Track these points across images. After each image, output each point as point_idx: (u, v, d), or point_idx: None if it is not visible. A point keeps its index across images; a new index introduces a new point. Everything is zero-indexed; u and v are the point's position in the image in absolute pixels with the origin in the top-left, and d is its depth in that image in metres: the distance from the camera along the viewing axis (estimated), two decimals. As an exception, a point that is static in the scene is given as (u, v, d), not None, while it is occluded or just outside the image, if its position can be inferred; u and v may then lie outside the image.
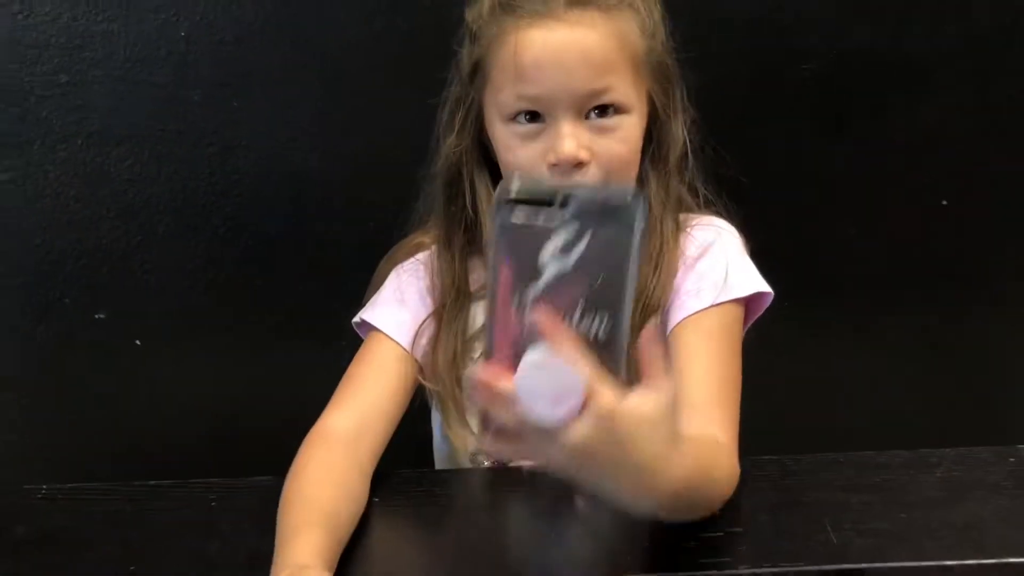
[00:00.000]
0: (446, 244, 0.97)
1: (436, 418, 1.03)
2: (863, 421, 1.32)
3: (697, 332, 0.89)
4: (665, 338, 0.87)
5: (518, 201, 0.58)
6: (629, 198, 0.57)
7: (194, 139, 1.23)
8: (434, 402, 1.00)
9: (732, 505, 0.81)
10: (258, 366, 1.28)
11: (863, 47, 1.22)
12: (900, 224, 1.28)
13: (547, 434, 0.59)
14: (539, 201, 0.58)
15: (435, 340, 0.96)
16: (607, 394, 0.58)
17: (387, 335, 0.95)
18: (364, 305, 0.99)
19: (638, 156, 0.92)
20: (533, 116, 0.88)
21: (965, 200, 1.28)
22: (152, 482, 0.91)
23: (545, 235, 0.58)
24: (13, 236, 1.25)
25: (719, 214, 0.99)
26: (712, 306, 0.90)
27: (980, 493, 0.84)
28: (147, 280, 1.26)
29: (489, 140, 0.93)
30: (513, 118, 0.89)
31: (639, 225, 0.57)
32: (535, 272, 0.58)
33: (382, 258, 1.03)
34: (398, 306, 0.97)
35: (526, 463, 0.66)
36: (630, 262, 0.58)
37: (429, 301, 0.97)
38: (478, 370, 0.60)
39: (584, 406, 0.58)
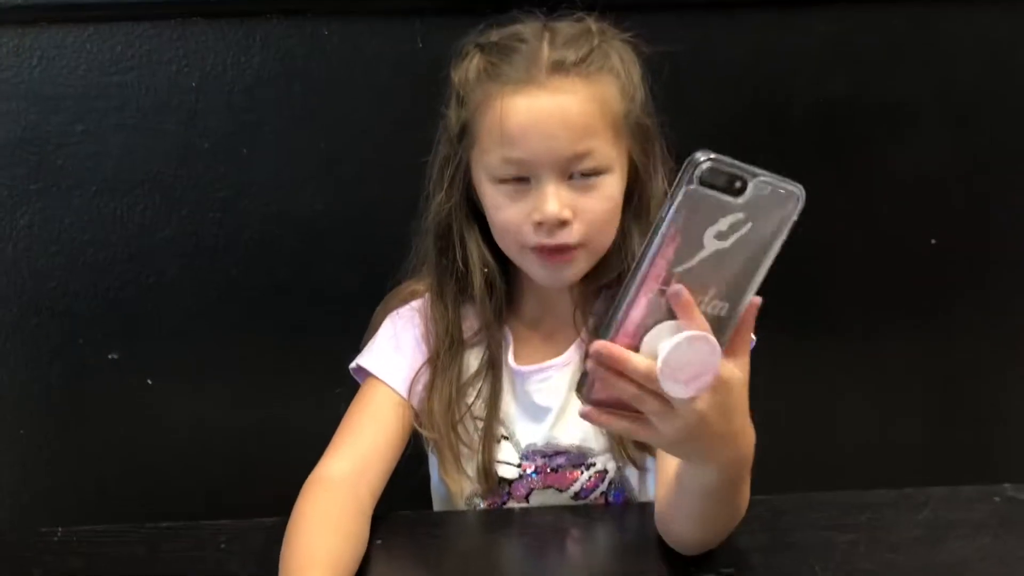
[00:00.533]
0: (439, 294, 1.00)
1: (433, 461, 1.05)
2: (852, 454, 1.34)
3: None
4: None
5: (707, 175, 0.60)
6: (795, 191, 0.61)
7: (204, 185, 1.26)
8: (430, 448, 1.02)
9: (722, 545, 0.84)
10: (268, 407, 1.31)
11: (848, 93, 1.25)
12: (890, 263, 1.31)
13: (668, 407, 0.63)
14: (726, 178, 0.60)
15: (430, 387, 0.98)
16: (726, 365, 0.63)
17: (383, 381, 0.98)
18: (360, 351, 1.02)
19: (619, 212, 0.94)
20: (518, 177, 0.91)
21: (953, 238, 1.31)
22: (164, 524, 0.94)
23: (717, 215, 0.60)
24: (29, 279, 1.28)
25: None
26: None
27: (964, 532, 0.87)
28: (159, 322, 1.29)
29: (478, 196, 0.96)
30: (500, 179, 0.92)
31: (793, 218, 0.61)
32: (695, 249, 0.61)
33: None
34: (394, 352, 1.00)
35: (624, 433, 0.69)
36: (771, 254, 0.61)
37: (424, 348, 1.00)
38: (606, 345, 0.62)
39: (713, 383, 0.62)
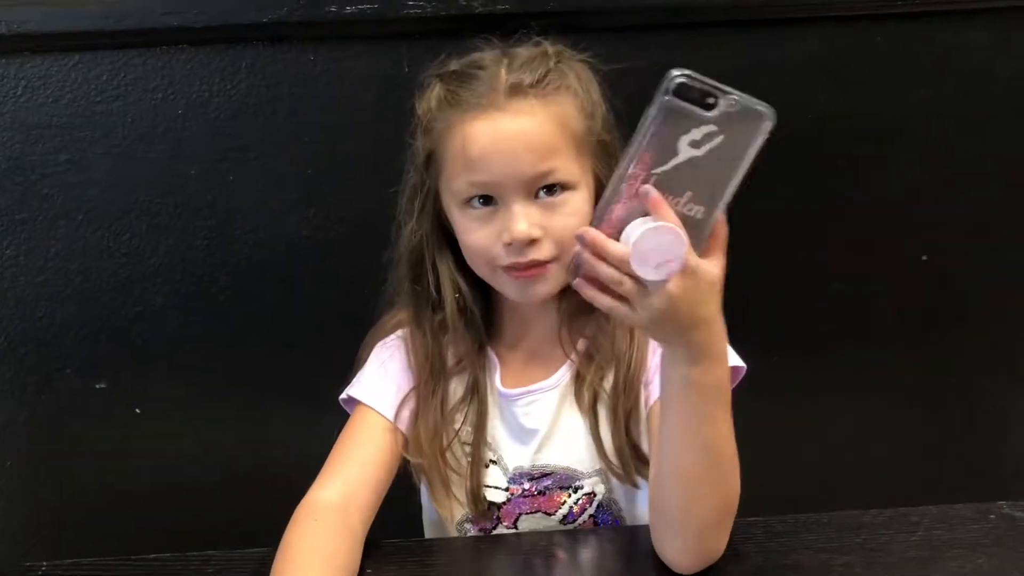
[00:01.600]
0: (417, 324, 1.01)
1: (425, 497, 1.05)
2: (847, 474, 1.34)
3: None
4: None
5: (681, 89, 0.68)
6: (763, 110, 0.70)
7: (191, 212, 1.26)
8: (420, 477, 1.01)
9: (718, 568, 0.84)
10: (257, 435, 1.30)
11: (834, 111, 1.26)
12: (882, 280, 1.31)
13: (643, 289, 0.72)
14: (698, 93, 0.68)
15: (416, 415, 0.99)
16: (693, 257, 0.72)
17: (371, 407, 0.99)
18: (350, 382, 1.02)
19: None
20: (486, 200, 0.92)
21: (944, 254, 1.31)
22: (152, 556, 0.93)
23: (690, 125, 0.68)
24: (16, 308, 1.28)
25: None
26: None
27: (960, 551, 0.86)
28: (146, 350, 1.29)
29: (448, 222, 0.97)
30: (468, 203, 0.93)
31: (763, 135, 0.69)
32: (669, 155, 0.69)
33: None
34: (381, 380, 1.01)
35: (612, 311, 0.75)
36: (743, 166, 0.70)
37: (410, 375, 1.01)
38: (589, 231, 0.72)
39: (680, 269, 0.70)
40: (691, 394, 0.78)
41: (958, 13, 1.25)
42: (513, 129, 0.91)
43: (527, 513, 0.99)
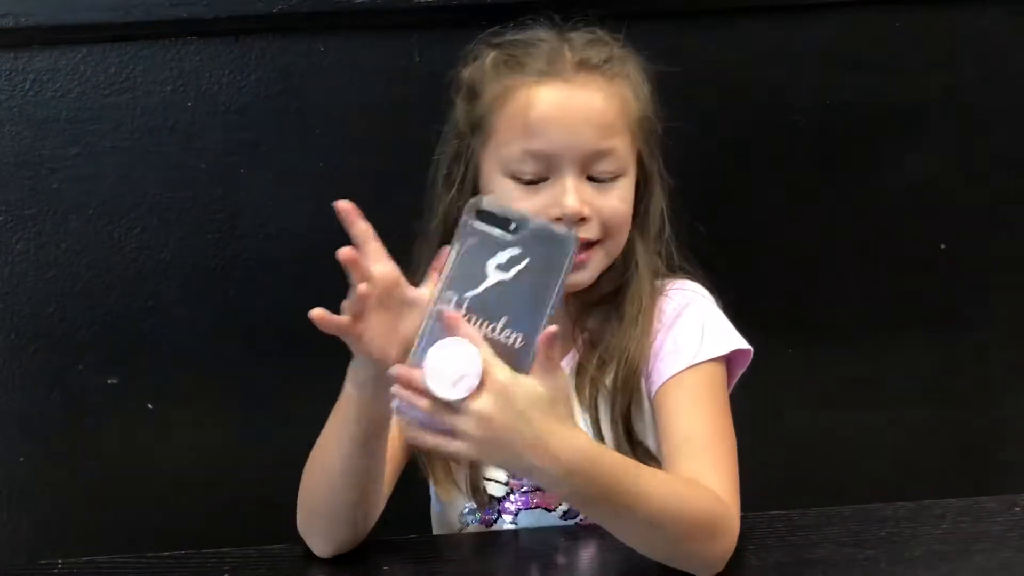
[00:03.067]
0: None
1: (434, 492, 1.04)
2: (866, 467, 1.32)
3: (680, 391, 0.91)
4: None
5: (483, 215, 0.71)
6: (567, 234, 0.71)
7: (201, 206, 1.25)
8: (422, 460, 1.00)
9: (740, 562, 0.82)
10: (271, 430, 1.29)
11: (851, 98, 1.24)
12: (899, 270, 1.29)
13: (451, 409, 0.69)
14: (500, 219, 0.70)
15: None
16: (503, 373, 0.69)
17: None
18: None
19: (631, 218, 0.95)
20: (535, 174, 0.91)
21: (962, 244, 1.29)
22: (166, 553, 0.92)
23: (496, 248, 0.70)
24: (26, 304, 1.27)
25: (692, 277, 1.01)
26: (692, 366, 0.92)
27: (986, 545, 0.85)
28: (158, 345, 1.27)
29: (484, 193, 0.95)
30: (515, 172, 0.91)
31: (569, 261, 0.70)
32: (480, 278, 0.70)
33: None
34: None
35: (439, 449, 0.73)
36: (555, 290, 0.70)
37: None
38: (396, 367, 0.70)
39: (481, 386, 0.68)
40: (586, 506, 0.77)
41: (975, -1, 1.24)
42: (578, 100, 0.90)
43: (527, 508, 0.98)
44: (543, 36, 0.95)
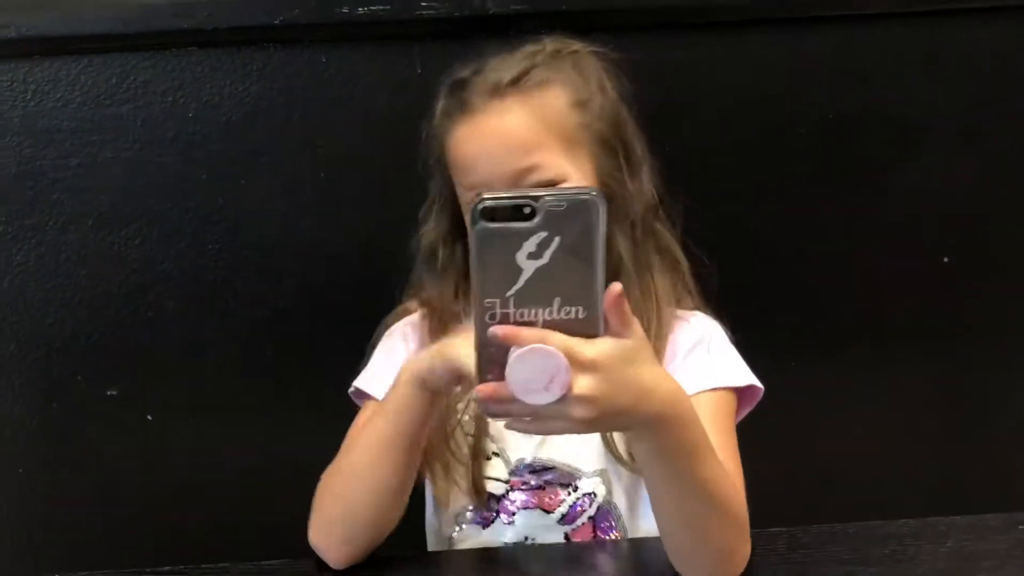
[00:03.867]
0: (438, 300, 1.01)
1: (429, 493, 1.04)
2: (868, 481, 1.31)
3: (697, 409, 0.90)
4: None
5: (490, 212, 0.65)
6: (589, 197, 0.65)
7: (202, 217, 1.25)
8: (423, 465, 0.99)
9: (741, 582, 0.82)
10: (272, 442, 1.28)
11: (855, 110, 1.24)
12: (902, 283, 1.29)
13: (560, 407, 0.67)
14: (511, 208, 0.65)
15: None
16: (586, 349, 0.66)
17: (375, 397, 0.98)
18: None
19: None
20: None
21: (966, 256, 1.28)
22: (166, 568, 0.92)
23: (519, 241, 0.65)
24: (26, 314, 1.26)
25: (702, 308, 1.02)
26: (708, 390, 0.93)
27: (990, 564, 0.84)
28: (158, 356, 1.27)
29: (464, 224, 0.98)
30: (469, 204, 0.93)
31: (601, 220, 0.65)
32: (515, 275, 0.65)
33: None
34: (386, 368, 1.00)
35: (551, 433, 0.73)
36: (598, 254, 0.65)
37: None
38: (481, 389, 0.67)
39: (569, 378, 0.66)
40: (663, 460, 0.76)
41: (981, 11, 1.23)
42: (490, 129, 0.93)
43: (526, 508, 0.98)
44: (484, 66, 0.97)
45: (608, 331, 0.67)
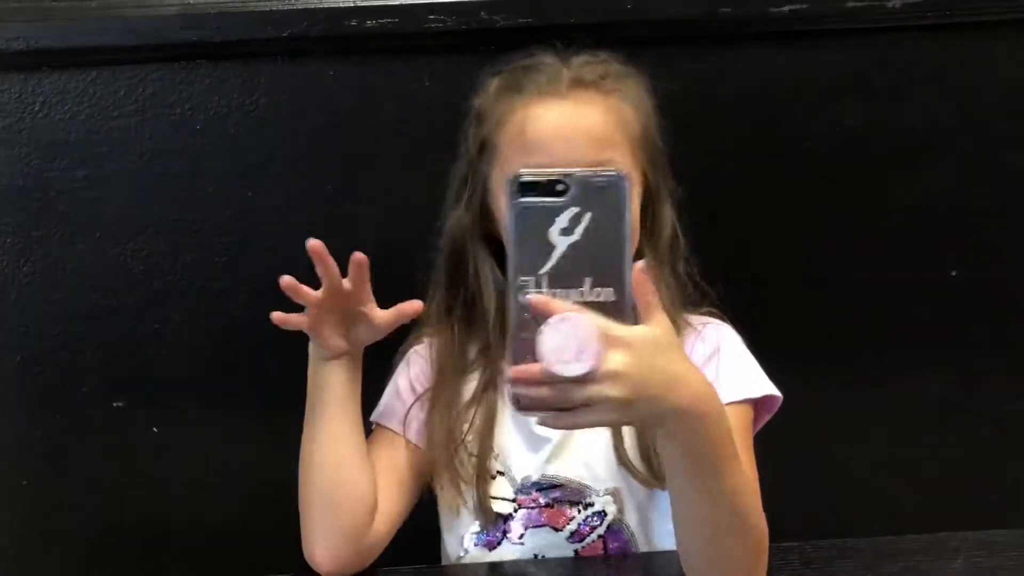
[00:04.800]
0: (446, 312, 1.02)
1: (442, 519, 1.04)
2: (878, 495, 1.31)
3: None
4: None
5: (525, 188, 0.67)
6: (616, 177, 0.68)
7: (209, 229, 1.24)
8: (431, 476, 1.01)
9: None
10: (277, 456, 1.27)
11: (862, 125, 1.24)
12: (909, 297, 1.28)
13: (582, 383, 0.66)
14: (545, 185, 0.67)
15: (431, 411, 1.00)
16: (617, 328, 0.67)
17: (383, 425, 1.01)
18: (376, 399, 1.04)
19: (639, 228, 0.96)
20: None
21: (974, 270, 1.28)
22: (172, 582, 0.92)
23: (552, 215, 0.67)
24: (32, 326, 1.26)
25: (716, 312, 1.02)
26: (727, 404, 0.91)
27: (1003, 580, 0.84)
28: (165, 369, 1.27)
29: (492, 216, 0.98)
30: None
31: (628, 198, 0.67)
32: (547, 250, 0.67)
33: (398, 344, 1.06)
34: (394, 398, 1.03)
35: (577, 426, 0.72)
36: (626, 234, 0.67)
37: (418, 386, 1.02)
38: (512, 369, 0.67)
39: (602, 347, 0.66)
40: (691, 462, 0.75)
41: (987, 25, 1.23)
42: (574, 116, 0.93)
43: (534, 527, 0.97)
44: (545, 60, 0.99)
45: (639, 316, 0.68)
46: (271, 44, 1.19)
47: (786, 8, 1.18)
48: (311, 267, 1.24)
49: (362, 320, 0.93)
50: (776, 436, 1.21)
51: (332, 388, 0.94)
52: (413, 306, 0.91)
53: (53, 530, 1.31)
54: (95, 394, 1.28)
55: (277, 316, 0.92)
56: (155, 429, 1.29)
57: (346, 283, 0.90)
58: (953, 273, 1.28)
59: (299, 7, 1.17)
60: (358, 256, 0.89)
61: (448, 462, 0.97)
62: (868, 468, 1.31)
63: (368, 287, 0.92)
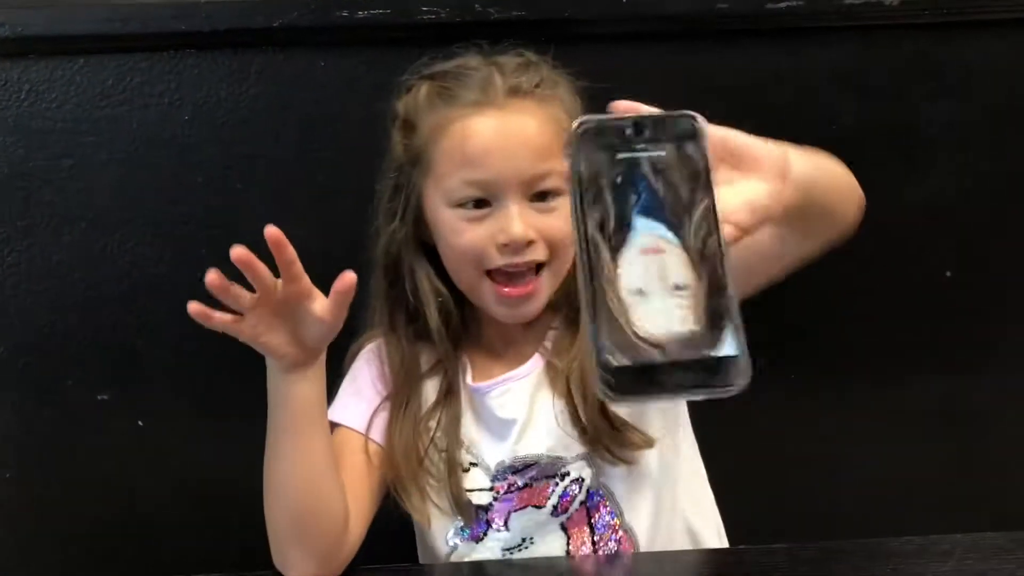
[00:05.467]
0: (391, 328, 1.00)
1: (417, 526, 1.03)
2: (869, 496, 1.30)
3: None
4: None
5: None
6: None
7: (197, 221, 1.23)
8: (396, 492, 0.98)
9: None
10: (262, 449, 1.26)
11: (858, 123, 1.23)
12: (904, 297, 1.28)
13: None
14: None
15: (390, 423, 0.98)
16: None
17: (345, 426, 0.98)
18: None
19: None
20: (479, 202, 0.92)
21: (970, 271, 1.27)
22: (155, 579, 0.90)
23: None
24: (17, 317, 1.25)
25: None
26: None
27: (994, 584, 0.83)
28: (150, 362, 1.25)
29: (427, 226, 0.97)
30: (459, 202, 0.92)
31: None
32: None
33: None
34: (354, 397, 1.00)
35: None
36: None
37: (380, 387, 1.00)
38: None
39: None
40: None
41: (984, 23, 1.23)
42: (513, 127, 0.91)
43: (517, 510, 0.96)
44: (473, 64, 0.96)
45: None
46: (261, 34, 1.18)
47: (783, 4, 1.17)
48: (300, 261, 1.24)
49: (308, 316, 0.83)
50: (771, 438, 1.21)
51: (296, 402, 0.86)
52: (345, 280, 0.82)
53: (37, 524, 1.29)
54: (79, 387, 1.26)
55: (195, 309, 0.80)
56: (140, 423, 1.27)
57: (280, 284, 0.82)
58: (948, 274, 1.28)
59: (290, -4, 1.16)
60: (274, 235, 0.80)
61: (413, 476, 0.96)
62: (862, 469, 1.30)
63: (305, 280, 0.82)
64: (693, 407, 1.01)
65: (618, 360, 0.52)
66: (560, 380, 0.95)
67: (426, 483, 0.96)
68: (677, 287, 0.53)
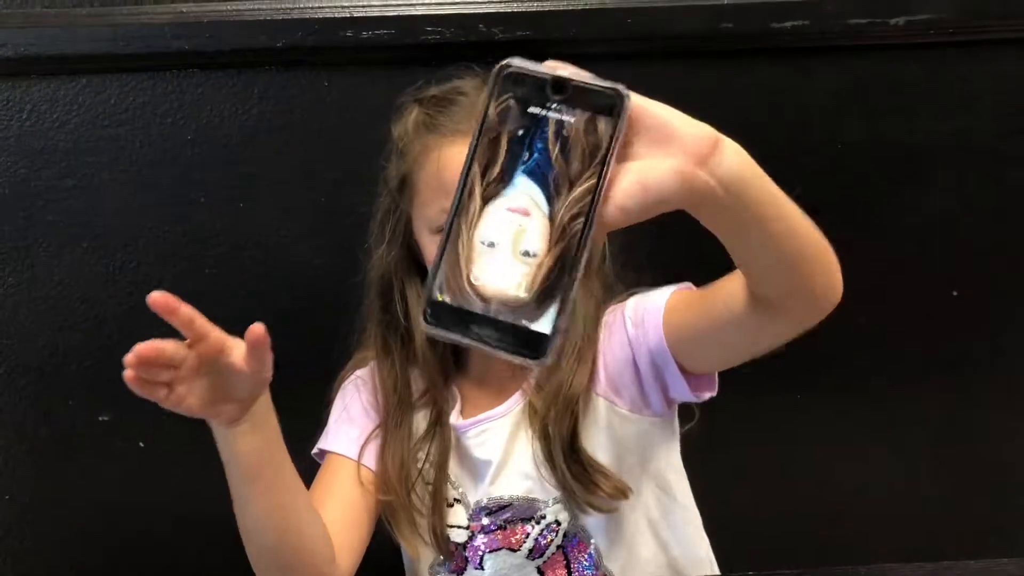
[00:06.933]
0: (384, 352, 1.00)
1: (405, 556, 1.03)
2: (876, 519, 1.29)
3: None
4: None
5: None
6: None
7: (200, 240, 1.23)
8: (387, 520, 0.98)
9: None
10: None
11: (863, 141, 1.23)
12: (909, 317, 1.27)
13: None
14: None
15: (383, 449, 0.97)
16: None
17: (337, 453, 0.98)
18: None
19: None
20: None
21: (975, 290, 1.27)
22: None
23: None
24: (18, 337, 1.25)
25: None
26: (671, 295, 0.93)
27: (1006, 611, 0.82)
28: (152, 382, 1.25)
29: (417, 250, 0.97)
30: (440, 230, 0.90)
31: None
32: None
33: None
34: (346, 424, 1.00)
35: None
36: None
37: (373, 413, 1.00)
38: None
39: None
40: (758, 180, 0.68)
41: (989, 43, 1.22)
42: None
43: (491, 551, 0.96)
44: (463, 88, 0.95)
45: None
46: (265, 54, 1.18)
47: (788, 24, 1.16)
48: (300, 279, 1.23)
49: (228, 370, 0.78)
50: (775, 457, 1.20)
51: (245, 456, 0.83)
52: (254, 333, 0.77)
53: (36, 545, 1.29)
54: (80, 408, 1.26)
55: (130, 376, 0.78)
56: (141, 444, 1.27)
57: (183, 348, 0.78)
58: (954, 293, 1.27)
59: (294, 17, 1.15)
60: (158, 301, 0.76)
61: (404, 504, 0.96)
62: (867, 489, 1.30)
63: (213, 335, 0.77)
64: (686, 438, 1.00)
65: (443, 296, 0.54)
66: (537, 421, 0.94)
67: (415, 513, 0.96)
68: (526, 253, 0.54)
